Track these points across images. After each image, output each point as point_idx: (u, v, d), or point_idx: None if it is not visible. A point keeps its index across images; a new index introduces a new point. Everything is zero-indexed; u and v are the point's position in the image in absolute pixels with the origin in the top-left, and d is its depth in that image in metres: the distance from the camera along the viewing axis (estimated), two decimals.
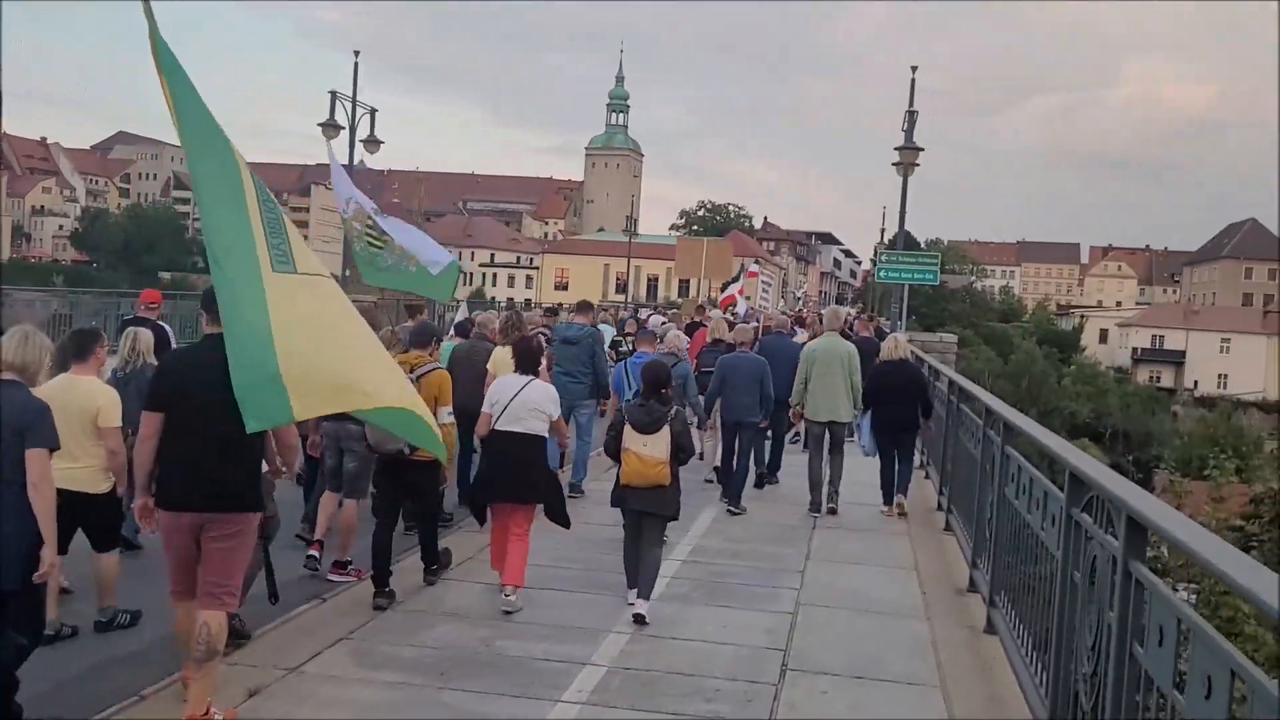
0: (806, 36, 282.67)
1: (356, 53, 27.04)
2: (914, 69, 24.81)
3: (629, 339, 13.55)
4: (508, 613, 6.28)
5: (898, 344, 10.42)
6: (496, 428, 6.59)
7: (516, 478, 6.56)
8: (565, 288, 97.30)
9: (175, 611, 4.75)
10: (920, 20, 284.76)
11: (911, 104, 24.67)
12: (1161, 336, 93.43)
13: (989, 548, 6.58)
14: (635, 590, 6.39)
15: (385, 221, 11.33)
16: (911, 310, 65.34)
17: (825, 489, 9.76)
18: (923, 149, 24.48)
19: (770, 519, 9.52)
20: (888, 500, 9.94)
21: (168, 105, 4.31)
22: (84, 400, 5.46)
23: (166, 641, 5.16)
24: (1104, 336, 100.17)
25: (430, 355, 6.97)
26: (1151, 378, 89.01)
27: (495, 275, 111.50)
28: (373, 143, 27.72)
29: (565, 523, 6.77)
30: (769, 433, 11.00)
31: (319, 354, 4.40)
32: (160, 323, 9.34)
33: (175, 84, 4.30)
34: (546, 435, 6.75)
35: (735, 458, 9.91)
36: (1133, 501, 3.35)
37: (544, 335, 10.40)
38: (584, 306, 11.13)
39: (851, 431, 10.84)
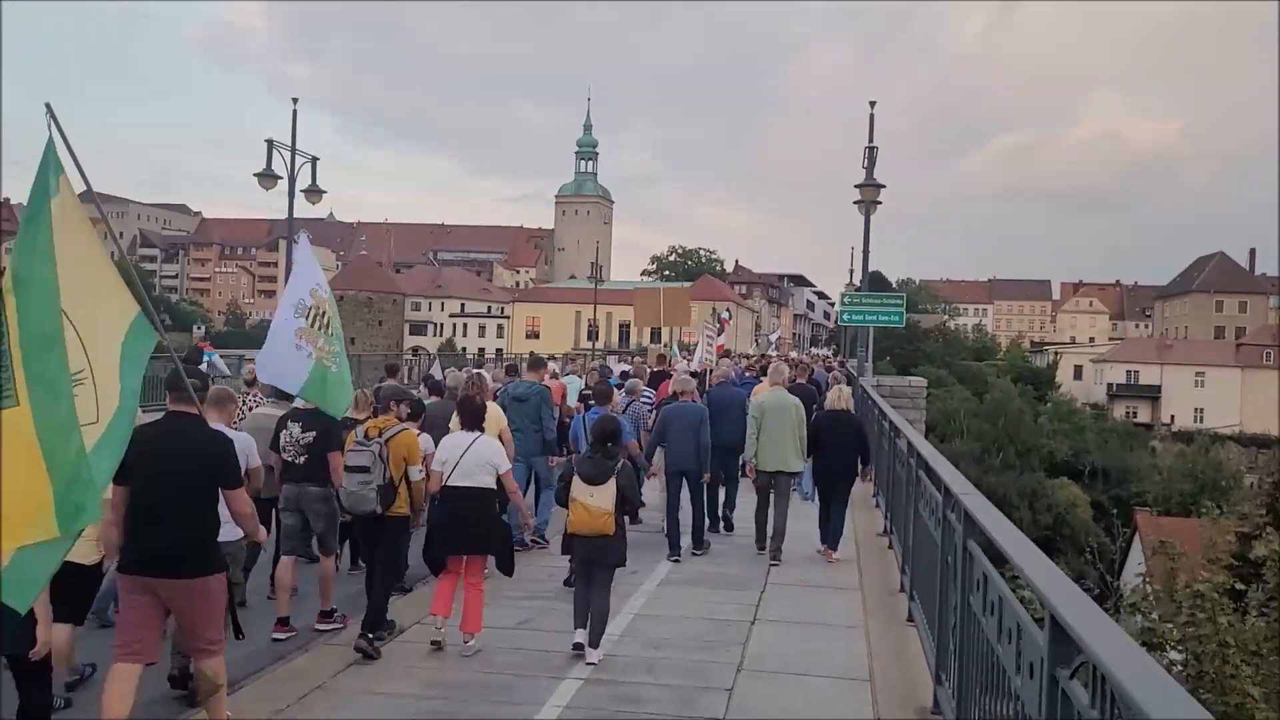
0: (769, 81, 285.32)
1: (295, 100, 25.80)
2: (873, 104, 23.93)
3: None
4: (467, 656, 6.66)
5: (840, 395, 10.68)
6: (449, 484, 6.89)
7: (471, 530, 6.83)
8: (537, 336, 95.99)
9: (108, 672, 4.85)
10: (877, 64, 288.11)
11: (871, 139, 23.72)
12: (1136, 372, 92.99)
13: (954, 663, 5.23)
14: (583, 631, 6.75)
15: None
16: (884, 351, 65.00)
17: (770, 537, 10.04)
18: (884, 186, 23.47)
19: (703, 609, 8.13)
20: (825, 540, 10.24)
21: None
22: None
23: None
24: (1079, 373, 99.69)
25: (397, 417, 7.23)
26: (1128, 413, 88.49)
27: (466, 325, 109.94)
28: (314, 193, 26.32)
29: (509, 570, 7.10)
30: (723, 477, 11.25)
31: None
32: None
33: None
34: (495, 488, 6.99)
35: (688, 505, 10.20)
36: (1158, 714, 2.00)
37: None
38: (535, 363, 11.31)
39: (796, 482, 11.07)
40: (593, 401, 10.97)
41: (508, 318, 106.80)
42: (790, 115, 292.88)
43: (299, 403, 7.81)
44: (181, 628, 5.07)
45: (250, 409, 9.44)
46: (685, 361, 21.69)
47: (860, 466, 10.54)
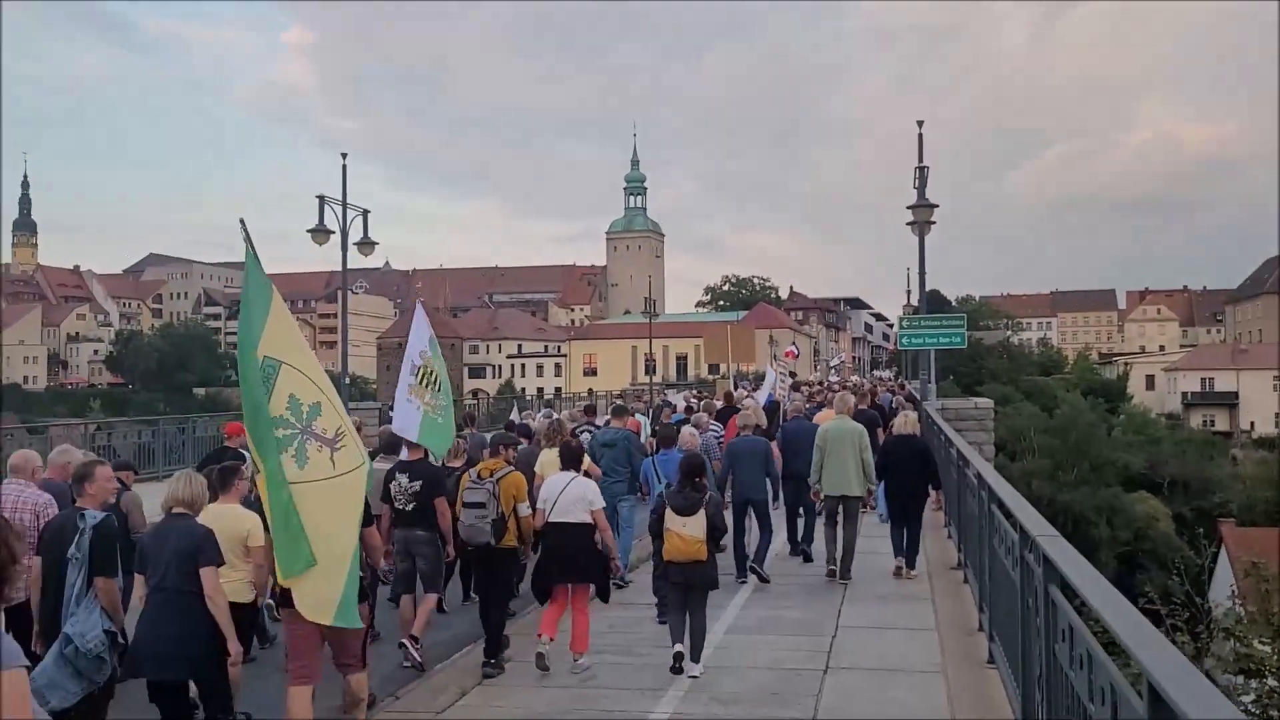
0: (812, 106, 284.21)
1: (344, 155, 26.12)
2: (920, 124, 23.57)
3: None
4: (577, 673, 7.36)
5: (906, 420, 11.35)
6: (550, 520, 7.57)
7: (571, 562, 7.50)
8: (594, 373, 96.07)
9: (287, 696, 5.70)
10: (924, 81, 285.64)
11: (921, 160, 23.33)
12: (1211, 379, 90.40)
13: (1042, 715, 4.89)
14: (683, 645, 7.36)
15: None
16: (948, 370, 63.81)
17: (839, 557, 10.58)
18: (937, 205, 23.05)
19: (772, 657, 7.83)
20: (898, 554, 10.82)
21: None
22: (234, 525, 6.21)
23: None
24: (1151, 383, 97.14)
25: (506, 460, 7.95)
26: (1205, 422, 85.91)
27: (524, 366, 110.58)
28: (367, 244, 26.56)
29: (605, 597, 7.96)
30: (799, 509, 11.96)
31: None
32: (244, 450, 9.75)
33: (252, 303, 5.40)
34: (593, 523, 7.59)
35: (750, 533, 10.86)
36: None
37: (589, 432, 11.92)
38: (619, 411, 12.39)
39: (866, 503, 11.37)
40: (656, 441, 11.59)
41: (564, 356, 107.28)
42: (836, 135, 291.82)
43: (404, 455, 8.58)
44: (332, 648, 5.77)
45: None
46: (749, 395, 21.61)
47: (930, 490, 11.01)
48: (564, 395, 67.29)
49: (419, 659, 7.88)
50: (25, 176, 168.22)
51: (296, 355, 5.44)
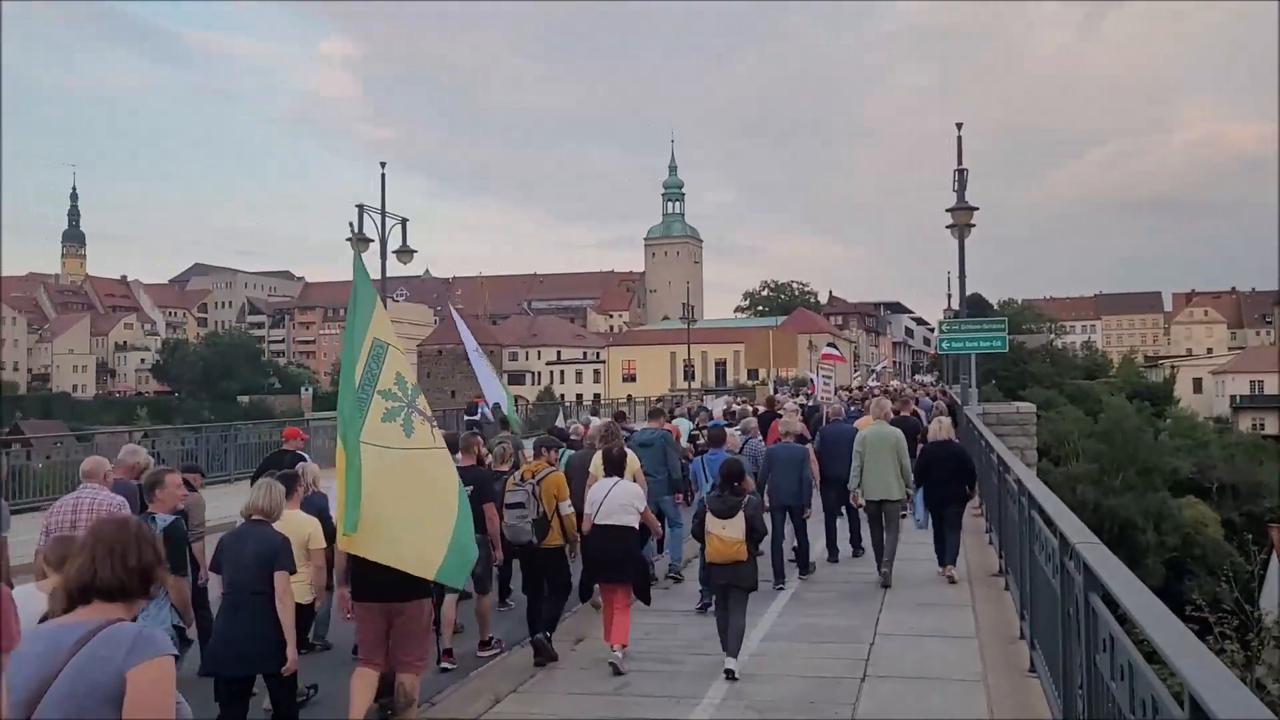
0: (846, 109, 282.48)
1: (383, 164, 26.30)
2: (959, 125, 23.42)
3: (704, 431, 14.38)
4: (615, 666, 7.55)
5: (941, 426, 11.45)
6: (596, 522, 7.88)
7: (614, 565, 7.81)
8: (633, 379, 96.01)
9: (353, 674, 6.09)
10: (961, 82, 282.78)
11: (960, 162, 23.15)
12: (1260, 381, 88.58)
13: None
14: (734, 660, 7.47)
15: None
16: (990, 374, 62.95)
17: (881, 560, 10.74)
18: (976, 208, 22.84)
19: (809, 665, 7.77)
20: (942, 562, 10.85)
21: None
22: (297, 529, 6.61)
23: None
24: (1198, 386, 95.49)
25: (548, 462, 8.48)
26: (1255, 425, 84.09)
27: (562, 372, 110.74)
28: (405, 253, 26.77)
29: (646, 600, 8.20)
30: (843, 510, 12.17)
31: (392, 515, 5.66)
32: (302, 453, 10.69)
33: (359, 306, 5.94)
34: (636, 526, 8.01)
35: (788, 537, 11.16)
36: None
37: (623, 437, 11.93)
38: (654, 413, 12.78)
39: (905, 509, 11.52)
40: (703, 443, 11.91)
41: (603, 362, 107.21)
42: (874, 139, 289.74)
43: (457, 458, 8.73)
44: (394, 643, 5.97)
45: None
46: (793, 399, 21.73)
47: (968, 489, 11.11)
48: (603, 401, 67.29)
49: (499, 649, 8.53)
50: (74, 189, 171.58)
51: (399, 344, 6.17)
